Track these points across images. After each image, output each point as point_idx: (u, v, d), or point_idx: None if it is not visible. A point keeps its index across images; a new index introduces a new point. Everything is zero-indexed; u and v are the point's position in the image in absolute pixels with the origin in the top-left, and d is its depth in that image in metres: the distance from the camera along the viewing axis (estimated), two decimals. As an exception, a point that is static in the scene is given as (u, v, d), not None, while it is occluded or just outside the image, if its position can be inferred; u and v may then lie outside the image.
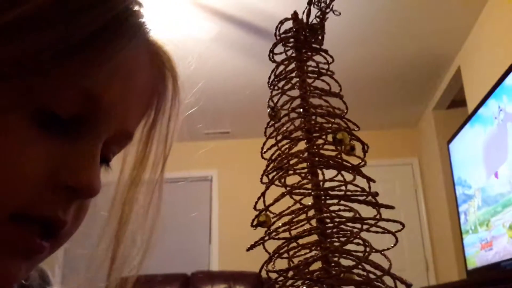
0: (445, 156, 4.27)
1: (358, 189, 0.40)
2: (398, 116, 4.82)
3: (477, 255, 2.69)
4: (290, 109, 0.41)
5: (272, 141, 0.42)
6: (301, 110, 0.41)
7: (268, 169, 0.40)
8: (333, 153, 0.39)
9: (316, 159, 0.39)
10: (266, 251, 0.39)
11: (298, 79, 0.43)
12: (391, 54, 3.58)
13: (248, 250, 0.38)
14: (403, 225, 0.39)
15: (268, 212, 0.39)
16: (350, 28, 3.18)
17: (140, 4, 0.38)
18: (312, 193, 0.38)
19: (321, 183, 0.39)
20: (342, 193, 0.40)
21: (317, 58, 0.45)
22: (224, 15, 3.05)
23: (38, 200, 0.32)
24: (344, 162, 0.40)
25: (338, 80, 0.46)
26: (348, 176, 0.41)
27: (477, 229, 2.70)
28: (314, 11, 0.43)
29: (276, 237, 0.39)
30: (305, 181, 0.39)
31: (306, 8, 0.40)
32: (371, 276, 0.37)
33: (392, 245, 0.40)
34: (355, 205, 0.39)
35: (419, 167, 5.02)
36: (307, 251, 0.38)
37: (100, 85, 0.35)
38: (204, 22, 2.97)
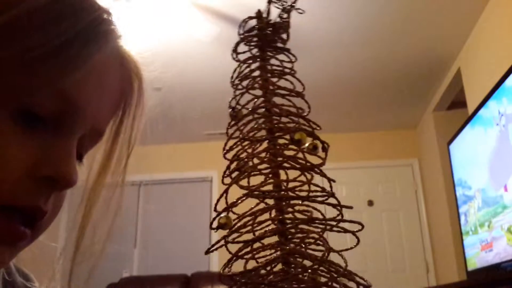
0: (445, 157, 4.25)
1: (318, 189, 0.40)
2: (399, 117, 4.81)
3: (477, 256, 2.68)
4: (252, 108, 0.41)
5: (234, 141, 0.41)
6: (263, 110, 0.41)
7: (230, 169, 0.40)
8: (298, 153, 0.39)
9: (278, 159, 0.39)
10: (230, 252, 0.38)
11: (260, 79, 0.42)
12: (391, 55, 3.57)
13: (206, 253, 0.38)
14: (363, 226, 0.39)
15: (230, 214, 0.39)
16: (349, 30, 3.18)
17: (108, 13, 0.41)
18: (273, 194, 0.37)
19: (283, 183, 0.39)
20: (304, 194, 0.39)
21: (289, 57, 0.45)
22: (224, 16, 3.04)
23: (22, 191, 0.35)
24: (307, 163, 0.40)
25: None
26: (315, 177, 0.41)
27: (477, 230, 2.69)
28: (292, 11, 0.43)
29: (235, 240, 0.38)
30: (267, 181, 0.38)
31: (266, 6, 0.40)
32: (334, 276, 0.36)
33: (354, 245, 0.39)
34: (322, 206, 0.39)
35: (419, 168, 5.00)
36: (270, 252, 0.37)
37: (75, 86, 0.38)
38: (204, 23, 2.97)
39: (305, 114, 0.42)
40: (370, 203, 4.87)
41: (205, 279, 4.12)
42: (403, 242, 4.76)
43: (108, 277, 4.34)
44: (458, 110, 4.34)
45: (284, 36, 0.43)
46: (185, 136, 5.05)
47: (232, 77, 0.43)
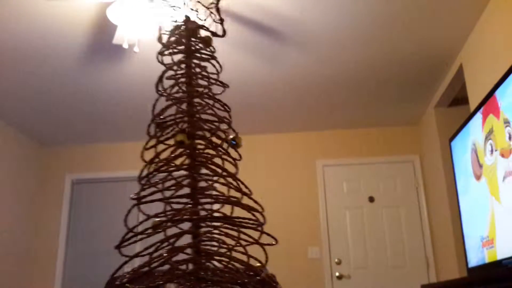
0: (447, 154, 4.24)
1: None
2: (400, 114, 4.79)
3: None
4: (176, 113, 0.42)
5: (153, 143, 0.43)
6: (180, 115, 0.42)
7: (146, 172, 0.41)
8: (228, 156, 0.40)
9: (194, 162, 0.40)
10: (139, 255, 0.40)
11: (178, 84, 0.44)
12: (393, 52, 3.56)
13: (116, 247, 0.40)
14: (261, 225, 0.40)
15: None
16: (353, 27, 3.17)
17: None
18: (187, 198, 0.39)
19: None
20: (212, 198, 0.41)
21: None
22: (226, 13, 3.05)
23: None
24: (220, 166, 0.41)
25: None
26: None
27: (478, 227, 2.68)
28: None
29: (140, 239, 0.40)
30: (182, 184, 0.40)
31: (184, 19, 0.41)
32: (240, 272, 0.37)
33: (253, 241, 0.40)
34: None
35: (420, 164, 4.98)
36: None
37: None
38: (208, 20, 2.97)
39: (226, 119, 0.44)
40: (371, 199, 4.87)
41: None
42: (404, 238, 4.76)
43: (109, 276, 4.39)
44: (459, 106, 4.33)
45: (211, 44, 0.44)
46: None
47: (156, 82, 0.44)
